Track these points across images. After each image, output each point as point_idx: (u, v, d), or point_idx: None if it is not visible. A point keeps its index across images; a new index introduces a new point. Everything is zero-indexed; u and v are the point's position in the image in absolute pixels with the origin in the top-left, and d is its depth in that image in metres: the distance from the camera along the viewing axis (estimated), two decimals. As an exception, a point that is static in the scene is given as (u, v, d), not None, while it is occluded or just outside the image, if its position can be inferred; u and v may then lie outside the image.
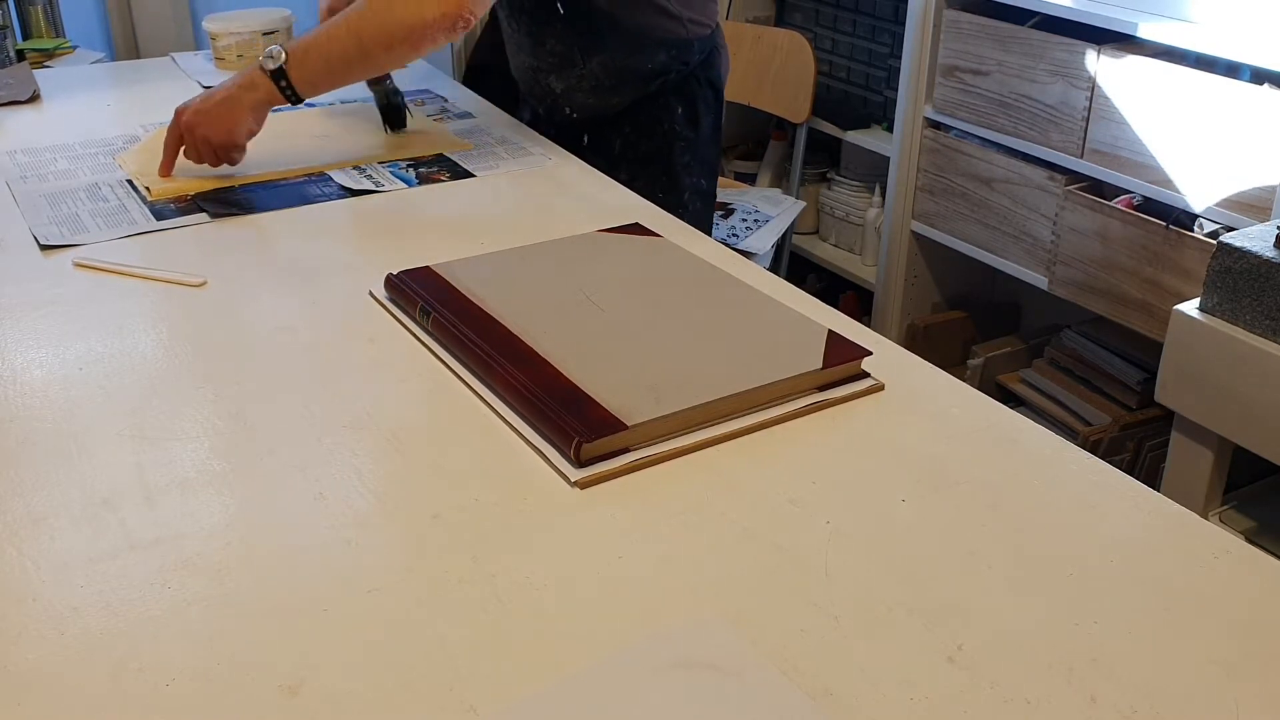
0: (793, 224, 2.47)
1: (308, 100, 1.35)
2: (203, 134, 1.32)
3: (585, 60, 1.39)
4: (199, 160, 1.35)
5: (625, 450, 0.83)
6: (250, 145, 1.36)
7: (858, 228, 2.76)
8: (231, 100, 1.32)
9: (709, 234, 1.68)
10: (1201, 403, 1.68)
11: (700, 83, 1.59)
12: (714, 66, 1.60)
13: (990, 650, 0.66)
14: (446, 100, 1.71)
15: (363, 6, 1.30)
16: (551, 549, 0.74)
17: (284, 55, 1.30)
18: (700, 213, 1.63)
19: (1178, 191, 1.93)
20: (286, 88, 1.31)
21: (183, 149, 1.35)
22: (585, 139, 1.58)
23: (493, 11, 1.64)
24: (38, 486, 0.80)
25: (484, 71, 1.89)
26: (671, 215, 1.29)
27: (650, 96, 1.56)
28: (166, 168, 1.36)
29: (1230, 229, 1.82)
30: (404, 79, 1.79)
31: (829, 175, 2.87)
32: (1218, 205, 1.88)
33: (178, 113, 1.34)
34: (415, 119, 1.58)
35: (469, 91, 1.78)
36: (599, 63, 1.48)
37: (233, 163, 1.36)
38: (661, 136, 1.58)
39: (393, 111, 1.55)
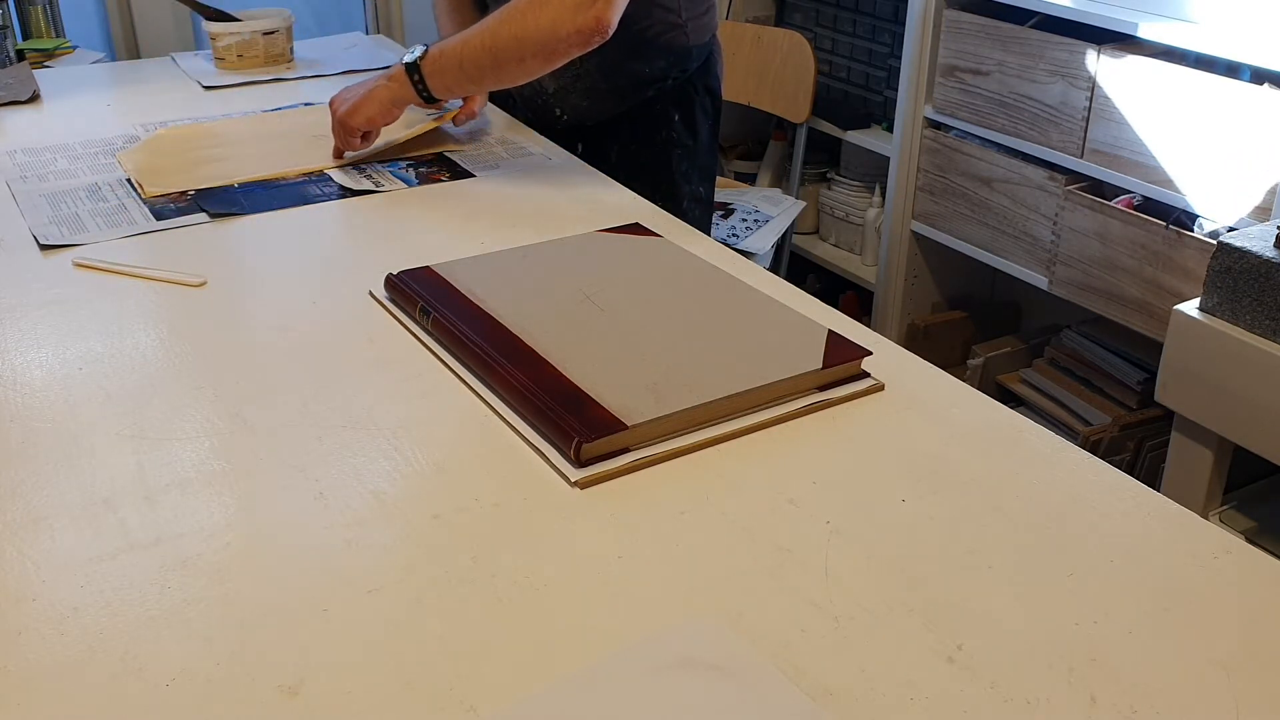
0: (793, 224, 2.47)
1: (441, 98, 1.38)
2: (334, 110, 1.39)
3: (583, 59, 1.39)
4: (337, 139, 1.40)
5: (625, 450, 0.83)
6: (248, 145, 1.35)
7: (858, 228, 2.76)
8: (370, 88, 1.37)
9: None
10: (1201, 403, 1.68)
11: (698, 89, 1.58)
12: (711, 73, 1.60)
13: (990, 650, 0.66)
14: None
15: (502, 15, 1.31)
16: (551, 549, 0.74)
17: (422, 53, 1.33)
18: (699, 220, 1.62)
19: (1178, 191, 1.93)
20: (420, 85, 1.34)
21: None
22: (580, 148, 1.57)
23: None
24: (38, 486, 0.80)
25: None
26: (671, 216, 1.29)
27: (647, 104, 1.55)
28: (338, 151, 1.42)
29: (1230, 229, 1.82)
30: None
31: (829, 175, 2.87)
32: (1218, 205, 1.88)
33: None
34: (414, 115, 1.57)
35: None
36: (596, 64, 1.48)
37: (349, 147, 1.40)
38: (660, 145, 1.57)
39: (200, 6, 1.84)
